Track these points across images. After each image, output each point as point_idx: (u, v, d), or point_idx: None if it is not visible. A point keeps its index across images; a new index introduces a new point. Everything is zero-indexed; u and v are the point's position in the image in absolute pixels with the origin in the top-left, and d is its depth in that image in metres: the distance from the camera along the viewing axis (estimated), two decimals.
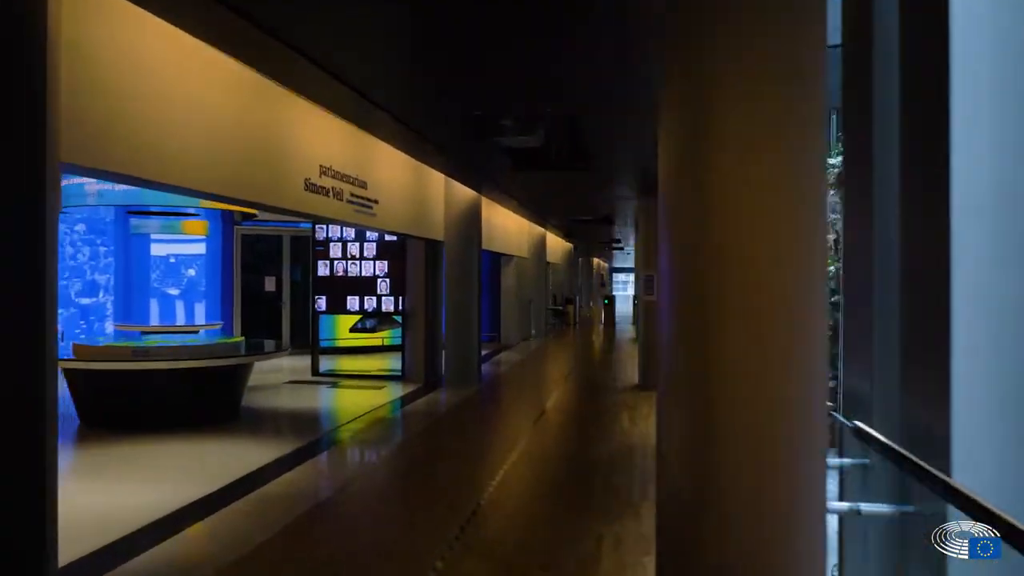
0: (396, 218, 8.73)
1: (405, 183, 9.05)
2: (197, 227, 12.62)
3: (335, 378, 11.71)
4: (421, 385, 10.94)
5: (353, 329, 11.60)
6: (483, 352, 12.97)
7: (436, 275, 11.24)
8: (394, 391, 10.51)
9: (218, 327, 13.23)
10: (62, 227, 13.32)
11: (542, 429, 8.04)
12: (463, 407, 9.47)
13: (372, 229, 8.58)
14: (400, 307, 11.41)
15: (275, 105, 5.82)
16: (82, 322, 13.62)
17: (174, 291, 14.36)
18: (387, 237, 11.41)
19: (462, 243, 11.16)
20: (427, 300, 11.21)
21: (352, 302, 11.68)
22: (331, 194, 6.80)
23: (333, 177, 6.84)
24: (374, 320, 11.58)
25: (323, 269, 11.84)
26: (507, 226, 15.61)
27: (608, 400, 9.96)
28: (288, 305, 15.23)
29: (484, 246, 12.19)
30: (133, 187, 7.43)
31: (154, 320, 14.06)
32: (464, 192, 11.09)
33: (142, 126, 4.20)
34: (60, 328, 13.49)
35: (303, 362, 12.17)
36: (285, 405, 9.46)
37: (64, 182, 7.76)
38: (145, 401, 7.66)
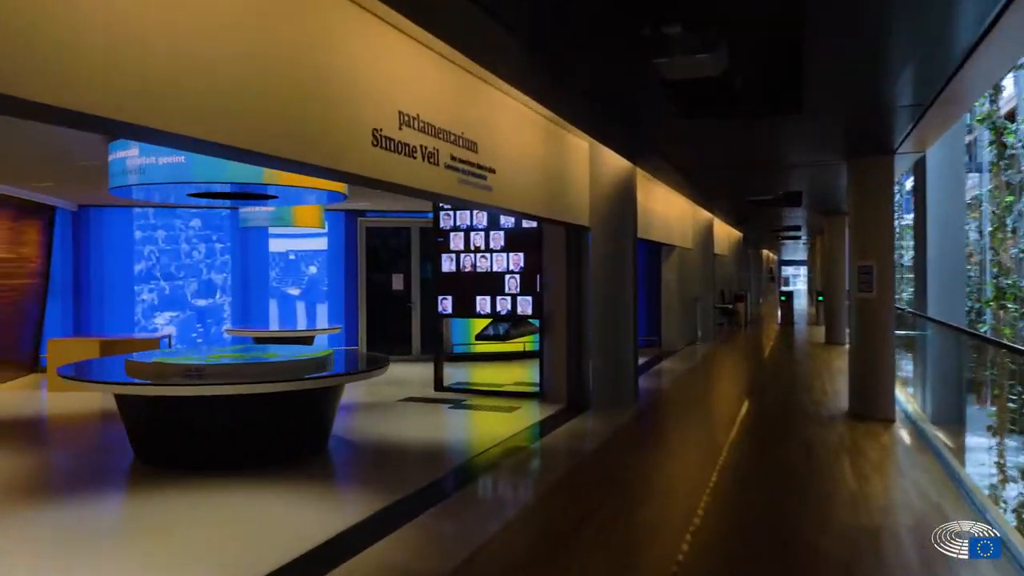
0: (521, 194, 6.60)
1: (535, 149, 6.90)
2: (309, 217, 11.10)
3: (462, 394, 9.77)
4: (563, 407, 8.78)
5: (481, 336, 9.59)
6: (640, 360, 10.65)
7: (580, 270, 9.03)
8: (529, 414, 8.41)
9: (336, 331, 11.68)
10: (176, 222, 12.24)
11: (728, 485, 5.64)
12: (616, 443, 7.20)
13: (486, 207, 6.44)
14: (538, 309, 9.30)
15: (322, 12, 3.82)
16: (199, 326, 12.51)
17: (294, 291, 13.01)
18: (523, 224, 9.34)
19: (612, 229, 8.88)
20: (569, 300, 9.02)
21: (482, 303, 9.69)
22: (419, 154, 4.74)
23: (421, 131, 4.78)
24: (505, 325, 9.55)
25: (447, 264, 9.94)
26: (668, 210, 13.13)
27: (813, 436, 7.35)
28: (418, 306, 13.54)
29: (640, 234, 9.84)
30: (178, 158, 5.75)
31: (274, 323, 12.77)
32: (614, 164, 8.80)
33: (77, 27, 2.27)
34: (174, 331, 12.51)
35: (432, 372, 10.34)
36: (389, 434, 7.58)
37: (110, 156, 6.19)
38: (203, 433, 5.97)
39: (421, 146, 4.79)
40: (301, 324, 12.87)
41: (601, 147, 8.55)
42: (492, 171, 5.93)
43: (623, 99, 6.29)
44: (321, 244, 13.07)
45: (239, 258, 12.67)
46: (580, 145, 8.31)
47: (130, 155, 5.91)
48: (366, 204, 12.31)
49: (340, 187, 6.64)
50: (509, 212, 6.82)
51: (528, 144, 6.73)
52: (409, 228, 13.52)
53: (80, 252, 11.97)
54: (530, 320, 9.69)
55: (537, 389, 9.43)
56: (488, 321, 9.74)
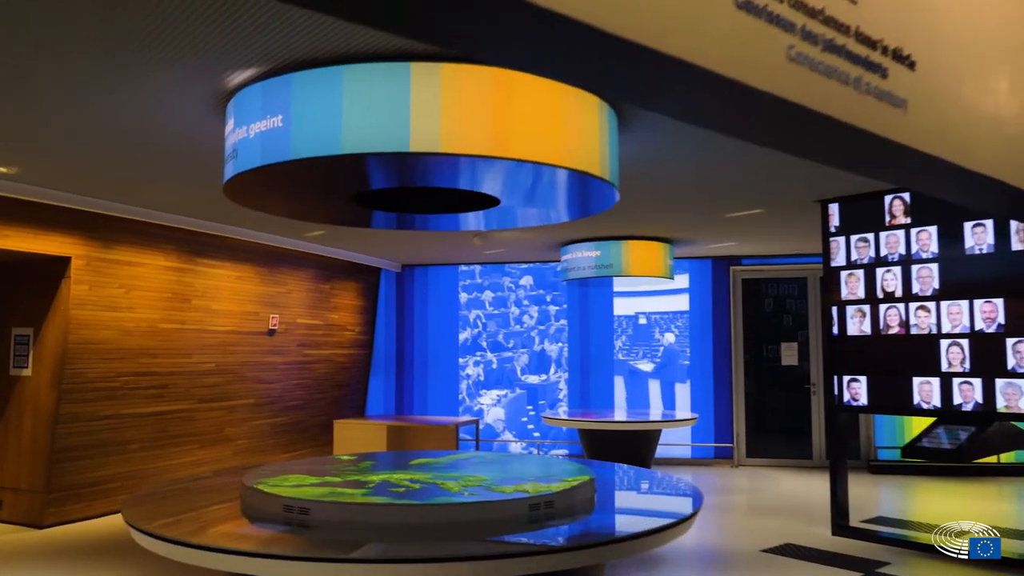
0: (1007, 140, 2.70)
1: None
2: (650, 263, 8.02)
3: (881, 545, 5.61)
4: None
5: (913, 449, 5.38)
6: None
7: None
8: None
9: (692, 422, 8.26)
10: (504, 280, 10.14)
11: None
12: None
13: (882, 149, 2.56)
14: None
15: None
16: (530, 408, 10.11)
17: (646, 366, 9.94)
18: (982, 246, 5.15)
19: None
20: None
21: (923, 390, 5.55)
22: None
23: None
24: (964, 430, 5.26)
25: (856, 323, 6.01)
26: None
27: None
28: (822, 389, 9.47)
29: None
30: (273, 121, 3.20)
31: (619, 408, 9.82)
32: None
33: None
34: (502, 413, 10.26)
35: (857, 490, 6.30)
36: None
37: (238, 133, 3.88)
38: None
39: None
40: (654, 409, 9.72)
41: None
42: (904, 60, 2.24)
43: None
44: (680, 303, 9.86)
45: (577, 323, 10.07)
46: None
47: (228, 131, 3.52)
48: (735, 246, 8.84)
49: (588, 164, 3.44)
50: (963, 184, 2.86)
51: None
52: (804, 279, 9.64)
53: (403, 318, 10.49)
54: (1018, 424, 5.28)
55: None
56: (929, 422, 5.53)
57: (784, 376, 9.66)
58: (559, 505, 3.32)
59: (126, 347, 6.66)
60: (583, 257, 8.12)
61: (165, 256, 6.97)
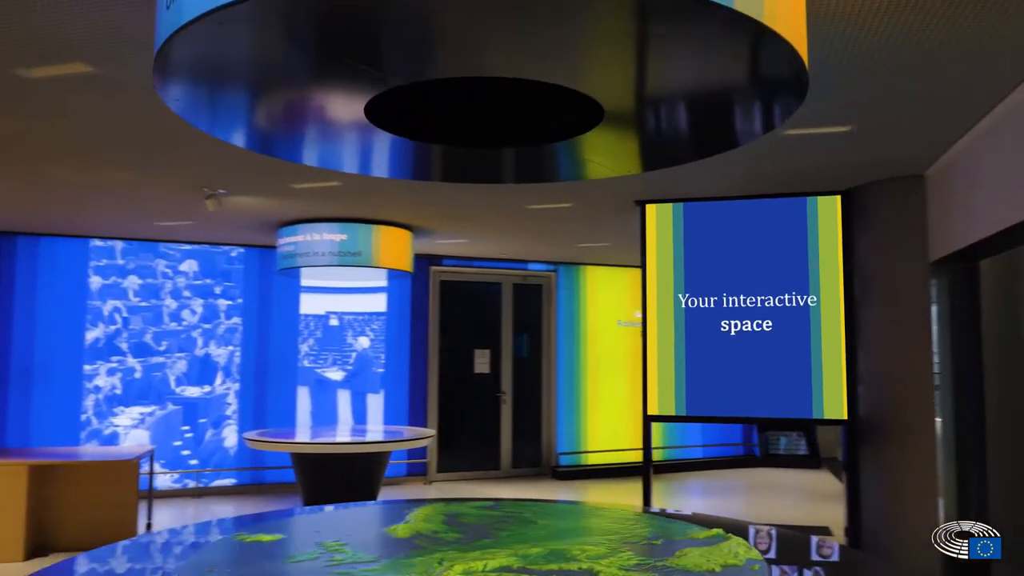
0: None
1: None
2: (395, 252, 6.80)
3: None
4: None
5: (771, 459, 5.38)
6: None
7: (966, 311, 5.02)
8: None
9: (427, 441, 7.21)
10: (158, 264, 7.76)
11: None
12: None
13: None
14: (852, 401, 5.25)
15: None
16: (186, 429, 7.84)
17: (336, 374, 8.52)
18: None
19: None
20: (953, 375, 4.96)
21: (742, 402, 5.53)
22: None
23: None
24: (793, 437, 5.42)
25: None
26: None
27: None
28: (510, 399, 9.24)
29: None
30: None
31: (303, 426, 8.22)
32: None
33: None
34: (146, 437, 7.71)
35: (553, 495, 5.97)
36: None
37: None
38: None
39: None
40: (343, 423, 8.34)
41: None
42: None
43: None
44: (378, 303, 8.69)
45: (254, 323, 8.16)
46: None
47: None
48: (443, 244, 8.09)
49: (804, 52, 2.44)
50: None
51: None
52: (500, 284, 9.32)
53: None
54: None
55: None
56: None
57: (476, 385, 9.18)
58: None
59: None
60: (322, 241, 6.52)
61: None
